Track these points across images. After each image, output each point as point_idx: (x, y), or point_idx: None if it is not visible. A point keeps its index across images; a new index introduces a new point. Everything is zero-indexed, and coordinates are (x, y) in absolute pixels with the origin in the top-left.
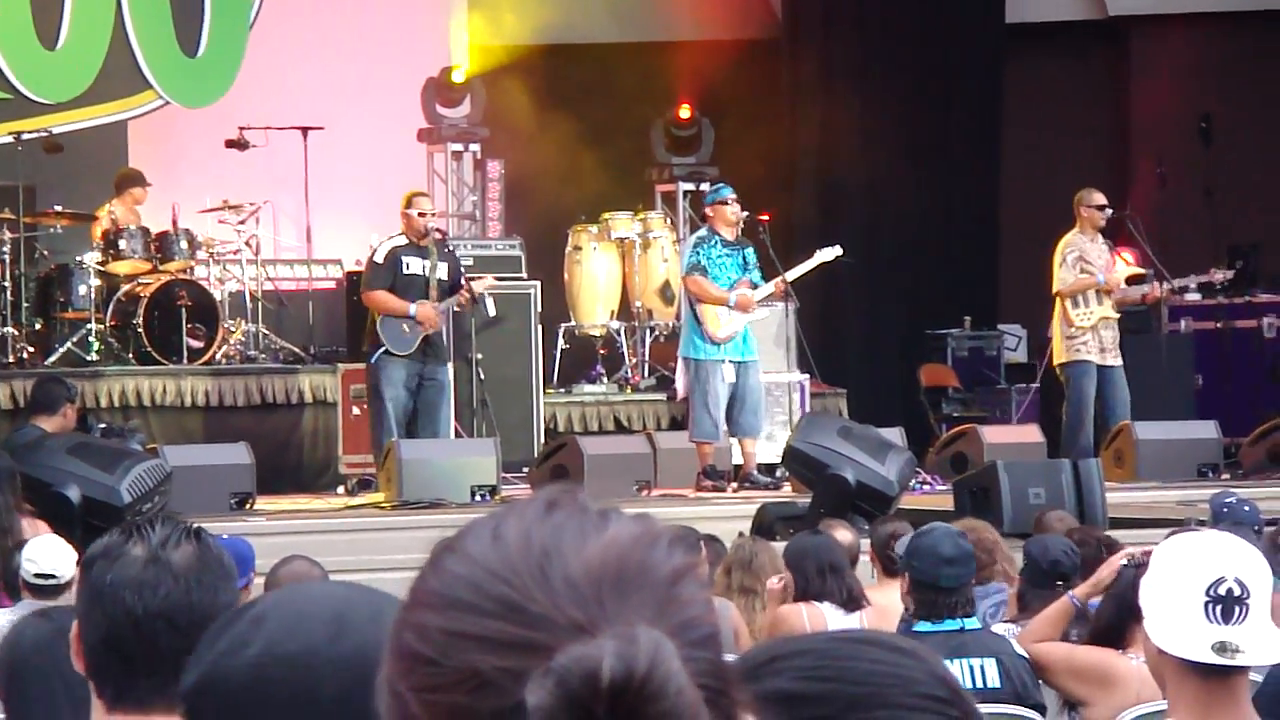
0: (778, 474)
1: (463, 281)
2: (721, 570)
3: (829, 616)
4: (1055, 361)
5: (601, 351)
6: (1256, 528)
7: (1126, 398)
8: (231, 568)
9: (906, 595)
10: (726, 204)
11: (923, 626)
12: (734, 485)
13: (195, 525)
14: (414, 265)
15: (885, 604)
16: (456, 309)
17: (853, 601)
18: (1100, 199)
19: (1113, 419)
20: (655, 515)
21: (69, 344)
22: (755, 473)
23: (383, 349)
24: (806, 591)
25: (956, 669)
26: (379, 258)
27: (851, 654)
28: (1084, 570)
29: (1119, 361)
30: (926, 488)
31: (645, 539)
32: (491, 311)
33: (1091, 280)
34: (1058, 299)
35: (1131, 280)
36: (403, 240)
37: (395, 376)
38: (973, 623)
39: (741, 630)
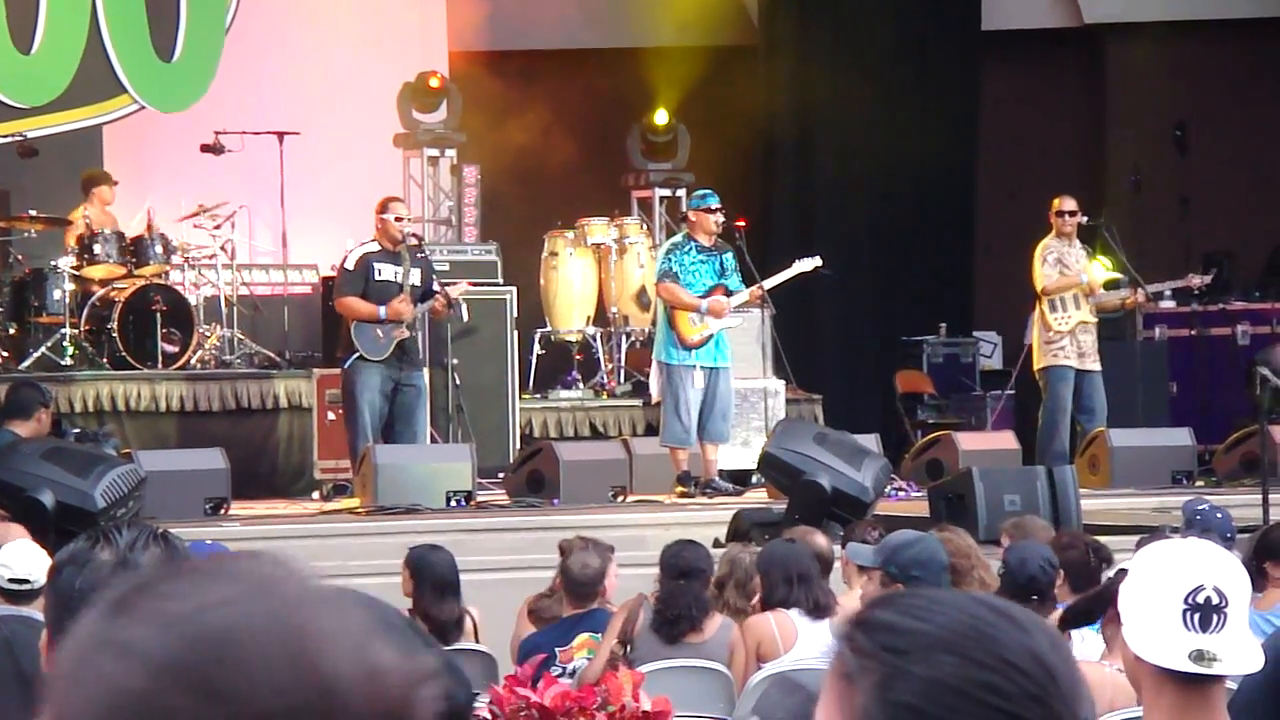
0: (754, 480)
1: (436, 288)
2: (714, 585)
3: (798, 624)
4: (1035, 366)
5: (577, 357)
6: (1229, 535)
7: (1103, 403)
8: None
9: None
10: (710, 212)
11: None
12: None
13: (161, 528)
14: (386, 271)
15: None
16: (432, 316)
17: (819, 610)
18: (1065, 204)
19: (1089, 424)
20: (628, 521)
21: (43, 348)
22: (717, 479)
23: (357, 354)
24: (772, 599)
25: None
26: (350, 264)
27: (956, 605)
28: (1070, 573)
29: (1098, 367)
30: (902, 494)
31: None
32: (465, 316)
33: (1075, 279)
34: (1038, 303)
35: (1108, 285)
36: (375, 246)
37: (370, 382)
38: None
39: (738, 649)
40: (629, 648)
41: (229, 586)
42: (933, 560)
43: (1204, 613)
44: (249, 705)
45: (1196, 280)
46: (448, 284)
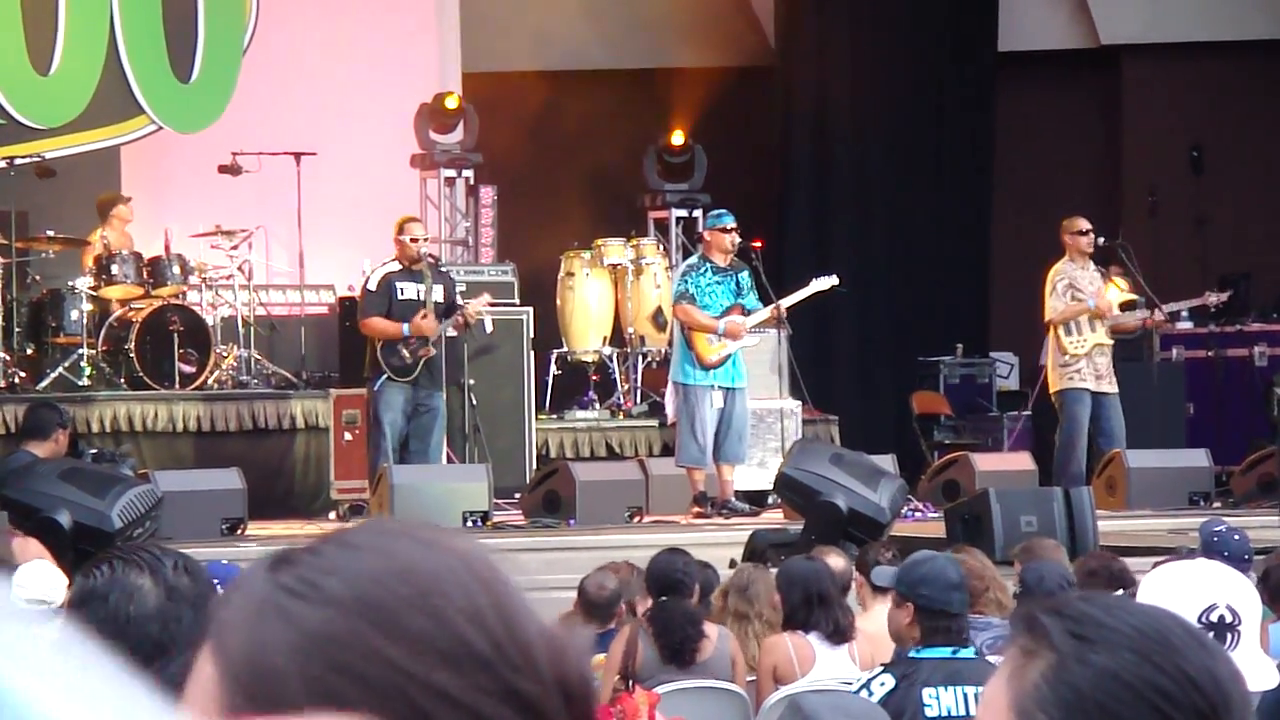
0: (770, 500)
1: (459, 302)
2: (718, 595)
3: (816, 647)
4: (1051, 389)
5: (594, 377)
6: (1246, 557)
7: (1121, 425)
8: (215, 592)
9: (910, 625)
10: (726, 232)
11: (916, 653)
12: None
13: (183, 553)
14: (408, 290)
15: (874, 632)
16: (453, 332)
17: (839, 633)
18: (1082, 224)
19: (1107, 446)
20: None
21: (61, 369)
22: (733, 499)
23: (385, 375)
24: (792, 619)
25: (951, 696)
26: (372, 285)
27: (1151, 614)
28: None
29: (1115, 388)
30: (918, 515)
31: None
32: (489, 328)
33: (1082, 306)
34: (1052, 328)
35: (1124, 306)
36: (396, 266)
37: (395, 402)
38: (968, 651)
39: (739, 659)
40: (629, 683)
41: (413, 539)
42: (939, 578)
43: (1217, 631)
44: (441, 645)
45: (1213, 298)
46: (467, 301)
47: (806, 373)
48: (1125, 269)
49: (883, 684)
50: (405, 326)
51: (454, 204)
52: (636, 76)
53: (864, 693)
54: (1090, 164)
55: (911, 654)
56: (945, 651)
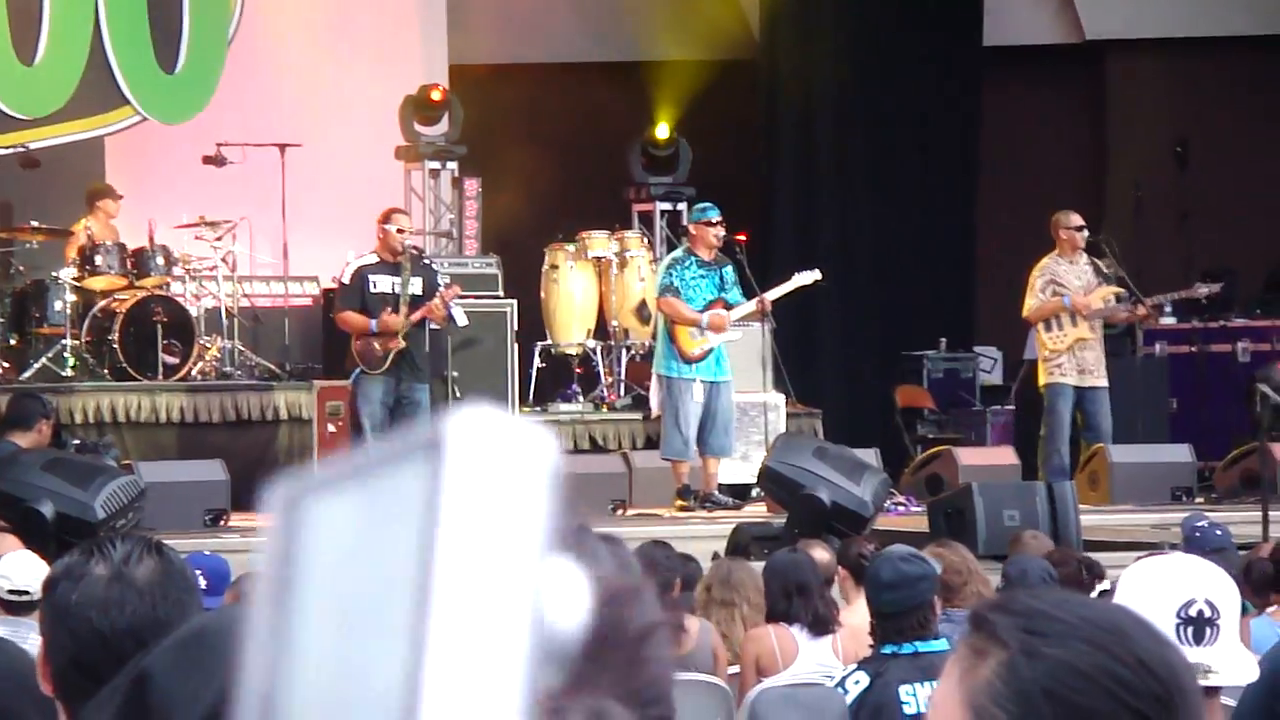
0: (753, 494)
1: (440, 291)
2: (702, 587)
3: (798, 639)
4: (1039, 383)
5: (578, 370)
6: (1228, 551)
7: (1108, 420)
8: (194, 579)
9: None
10: (711, 225)
11: (888, 649)
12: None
13: (155, 539)
14: (382, 284)
15: (857, 624)
16: (434, 326)
17: (820, 624)
18: (1077, 220)
19: (1093, 440)
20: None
21: (44, 359)
22: (716, 493)
23: (359, 368)
24: (774, 612)
25: (928, 691)
26: (346, 278)
27: (1100, 606)
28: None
29: (1102, 382)
30: (901, 509)
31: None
32: (461, 320)
33: (1056, 303)
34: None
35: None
36: (373, 259)
37: (372, 394)
38: (940, 644)
39: (720, 651)
40: None
41: None
42: (873, 580)
43: (1197, 626)
44: None
45: (1203, 289)
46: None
47: (790, 366)
48: (1110, 263)
49: (857, 681)
50: (373, 323)
51: (438, 196)
52: (621, 69)
53: (840, 690)
54: (1075, 159)
55: (883, 650)
56: (891, 648)
